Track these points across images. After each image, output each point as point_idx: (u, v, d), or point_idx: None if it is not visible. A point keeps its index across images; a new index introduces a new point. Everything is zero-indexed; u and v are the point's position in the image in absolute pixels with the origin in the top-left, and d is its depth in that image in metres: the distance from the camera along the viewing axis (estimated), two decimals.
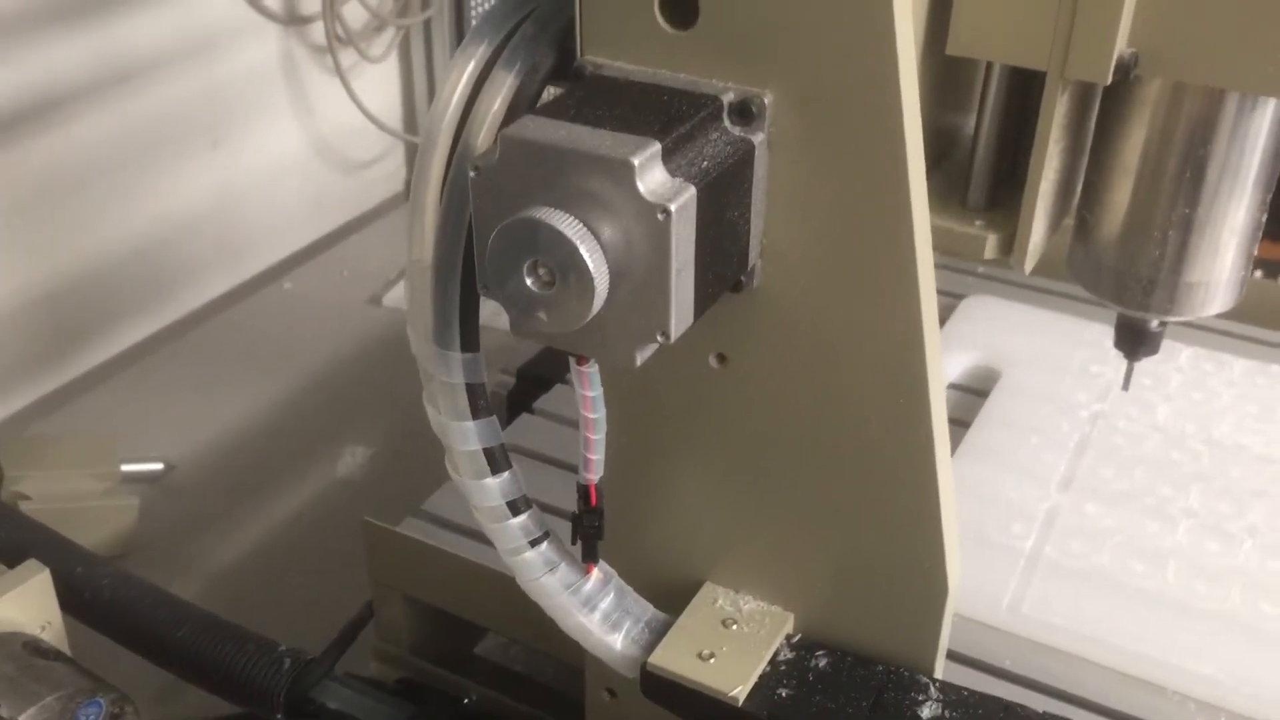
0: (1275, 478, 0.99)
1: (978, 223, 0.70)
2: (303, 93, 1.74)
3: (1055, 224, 0.71)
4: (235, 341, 1.53)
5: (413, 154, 1.94)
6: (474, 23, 1.88)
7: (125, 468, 1.22)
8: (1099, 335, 1.15)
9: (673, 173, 0.51)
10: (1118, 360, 1.12)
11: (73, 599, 0.86)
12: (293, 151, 1.75)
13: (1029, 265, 0.69)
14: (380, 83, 1.86)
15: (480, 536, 0.90)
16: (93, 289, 1.48)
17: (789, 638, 0.69)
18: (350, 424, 1.35)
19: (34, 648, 0.78)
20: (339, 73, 1.71)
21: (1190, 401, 1.08)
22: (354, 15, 1.74)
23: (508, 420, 1.09)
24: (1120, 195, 0.68)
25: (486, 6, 1.89)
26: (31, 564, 0.80)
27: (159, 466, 1.27)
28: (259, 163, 1.69)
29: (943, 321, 1.20)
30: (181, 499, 1.25)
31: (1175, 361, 1.13)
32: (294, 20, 1.69)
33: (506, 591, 0.82)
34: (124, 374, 1.47)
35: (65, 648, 0.81)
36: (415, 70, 1.91)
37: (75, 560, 0.91)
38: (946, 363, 1.14)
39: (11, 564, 0.80)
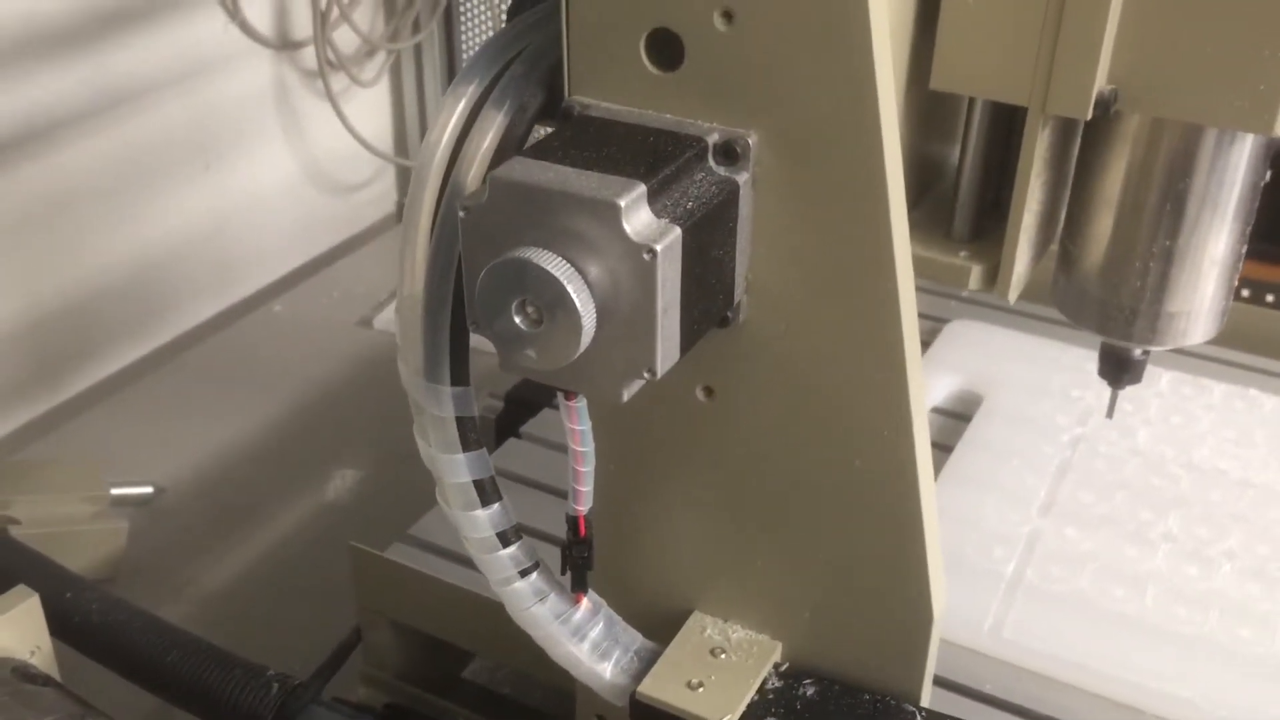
0: (1254, 502, 0.99)
1: (962, 254, 0.71)
2: (294, 117, 1.74)
3: (1039, 254, 0.72)
4: (225, 364, 1.52)
5: (404, 177, 1.95)
6: (465, 52, 1.90)
7: (114, 491, 1.22)
8: (1080, 359, 1.16)
9: (658, 213, 0.52)
10: (1098, 384, 1.12)
11: (62, 624, 0.86)
12: (284, 175, 1.75)
13: (1013, 295, 0.69)
14: (371, 107, 1.87)
15: (468, 562, 0.90)
16: (83, 313, 1.48)
17: (777, 666, 0.69)
18: (340, 447, 1.34)
19: (23, 673, 0.77)
20: (330, 97, 1.71)
21: (1170, 426, 1.09)
22: (345, 40, 1.74)
23: (496, 444, 1.08)
24: (1102, 227, 0.68)
25: (477, 31, 1.89)
26: (20, 589, 0.80)
27: (148, 490, 1.26)
28: (250, 186, 1.69)
29: (927, 345, 1.20)
30: (171, 522, 1.25)
31: (1155, 386, 1.13)
32: (286, 45, 1.69)
33: (494, 617, 0.82)
34: (114, 398, 1.47)
35: (55, 673, 0.81)
36: (406, 94, 1.91)
37: (64, 585, 0.90)
38: (930, 386, 1.14)
39: (0, 589, 0.80)
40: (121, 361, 1.54)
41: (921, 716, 0.66)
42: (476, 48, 1.87)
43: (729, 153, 0.56)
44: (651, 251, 0.50)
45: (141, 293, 1.54)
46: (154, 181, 1.54)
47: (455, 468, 0.62)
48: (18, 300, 1.40)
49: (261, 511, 1.25)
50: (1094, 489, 1.01)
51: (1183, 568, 0.93)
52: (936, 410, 1.14)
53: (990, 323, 1.24)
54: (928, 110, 0.70)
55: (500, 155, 0.57)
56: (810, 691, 0.67)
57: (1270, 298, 1.39)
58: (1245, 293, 1.36)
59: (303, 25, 1.69)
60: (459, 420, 0.62)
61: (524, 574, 0.65)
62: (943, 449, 1.05)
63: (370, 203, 1.92)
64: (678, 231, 0.51)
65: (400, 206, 1.96)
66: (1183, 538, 0.96)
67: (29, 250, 1.41)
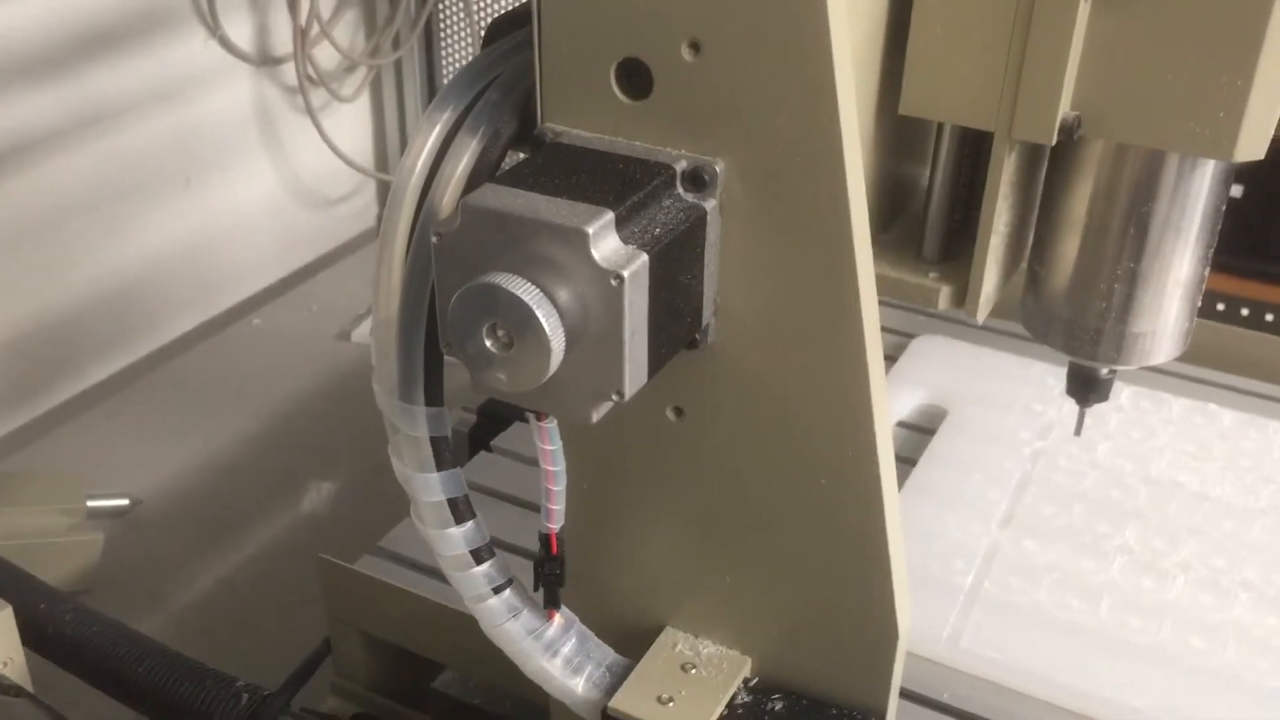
0: (1209, 515, 1.00)
1: (932, 275, 0.70)
2: (274, 132, 1.72)
3: (1007, 275, 0.72)
4: (203, 378, 1.51)
5: (384, 192, 1.93)
6: (444, 68, 1.89)
7: (91, 503, 1.20)
8: (1042, 374, 1.16)
9: (626, 240, 0.52)
10: (1061, 399, 1.13)
11: (36, 635, 0.85)
12: (264, 190, 1.74)
13: (981, 315, 0.69)
14: (351, 122, 1.86)
15: (437, 574, 0.90)
16: (63, 327, 1.46)
17: (746, 681, 0.68)
18: (316, 459, 1.33)
19: None
20: (310, 112, 1.70)
21: (1130, 440, 1.09)
22: (325, 56, 1.73)
23: (468, 456, 1.08)
24: (1068, 249, 0.68)
25: (456, 46, 1.88)
26: None
27: (124, 502, 1.25)
28: (231, 201, 1.67)
29: (893, 360, 1.20)
30: (147, 534, 1.23)
31: (1116, 400, 1.14)
32: (266, 61, 1.68)
33: (463, 629, 0.82)
34: (92, 410, 1.45)
35: (28, 684, 0.80)
36: (386, 109, 1.90)
37: (39, 597, 0.89)
38: (895, 401, 1.14)
39: None
40: (100, 375, 1.52)
41: None
42: (456, 63, 1.87)
43: (697, 180, 0.56)
44: (619, 277, 0.50)
45: (121, 307, 1.53)
46: (135, 197, 1.52)
47: (429, 486, 0.62)
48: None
49: (237, 523, 1.24)
50: (1053, 502, 1.01)
51: (1138, 579, 0.93)
52: (901, 424, 1.14)
53: (956, 338, 1.24)
54: (899, 133, 0.70)
55: (474, 180, 0.57)
56: (779, 706, 0.67)
57: (1222, 308, 1.41)
58: (1220, 307, 1.38)
59: (283, 41, 1.68)
60: (433, 440, 0.62)
61: (497, 591, 0.65)
62: (907, 462, 1.05)
63: (350, 217, 1.91)
64: (645, 258, 0.51)
65: (380, 221, 1.95)
66: (1139, 550, 0.96)
67: (9, 265, 1.39)
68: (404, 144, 1.89)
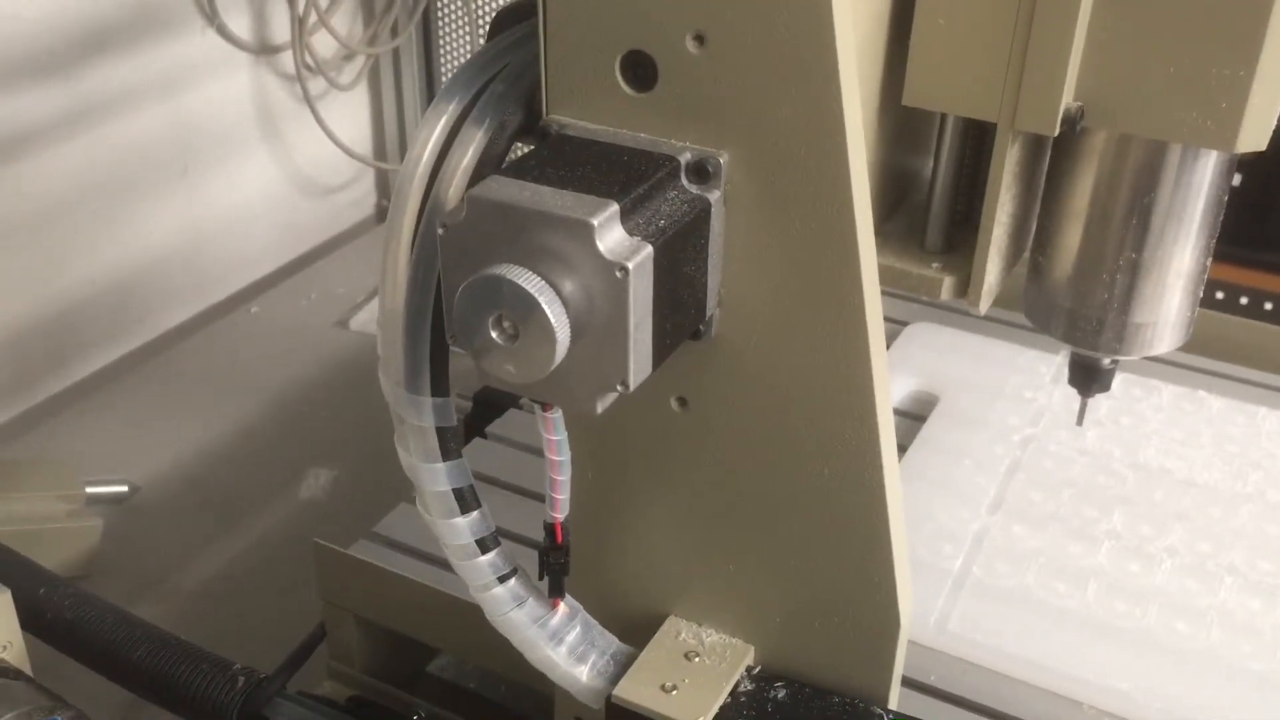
0: (1196, 501, 0.99)
1: (934, 265, 0.70)
2: (273, 121, 1.70)
3: (1010, 266, 0.71)
4: (201, 366, 1.50)
5: (381, 180, 1.92)
6: (442, 56, 1.87)
7: (90, 490, 1.19)
8: (1034, 361, 1.16)
9: (631, 231, 0.51)
10: (1051, 386, 1.13)
11: (35, 619, 0.85)
12: (263, 179, 1.72)
13: (984, 306, 0.68)
14: (350, 110, 1.84)
15: (432, 559, 0.89)
16: (62, 316, 1.44)
17: (749, 670, 0.68)
18: (314, 446, 1.32)
19: None
20: (308, 101, 1.68)
21: (1119, 426, 1.08)
22: (324, 44, 1.71)
23: (464, 442, 1.07)
24: (1070, 239, 0.67)
25: (454, 35, 1.86)
26: None
27: (123, 488, 1.23)
28: (229, 190, 1.65)
29: (887, 346, 1.19)
30: (146, 520, 1.22)
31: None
32: (264, 50, 1.65)
33: (458, 614, 0.82)
34: (90, 398, 1.44)
35: (27, 667, 0.79)
36: (385, 97, 1.88)
37: (38, 581, 0.89)
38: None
39: None
40: (99, 364, 1.51)
41: (890, 718, 0.65)
42: (454, 52, 1.85)
43: (701, 172, 0.55)
44: (624, 269, 0.50)
45: (119, 296, 1.51)
46: (133, 187, 1.50)
47: (435, 477, 0.62)
48: None
49: (235, 510, 1.23)
50: (1042, 487, 1.00)
51: (1125, 564, 0.92)
52: (895, 411, 1.13)
53: (950, 325, 1.24)
54: (902, 124, 0.69)
55: (480, 172, 0.57)
56: (781, 694, 0.67)
57: (1221, 297, 1.40)
58: (1220, 295, 1.37)
59: (281, 30, 1.66)
60: (439, 430, 0.61)
61: (502, 580, 0.64)
62: (899, 448, 1.04)
63: (349, 206, 1.89)
64: (649, 249, 0.51)
65: (379, 209, 1.93)
66: (1126, 535, 0.95)
67: (8, 255, 1.37)
68: (402, 132, 1.88)
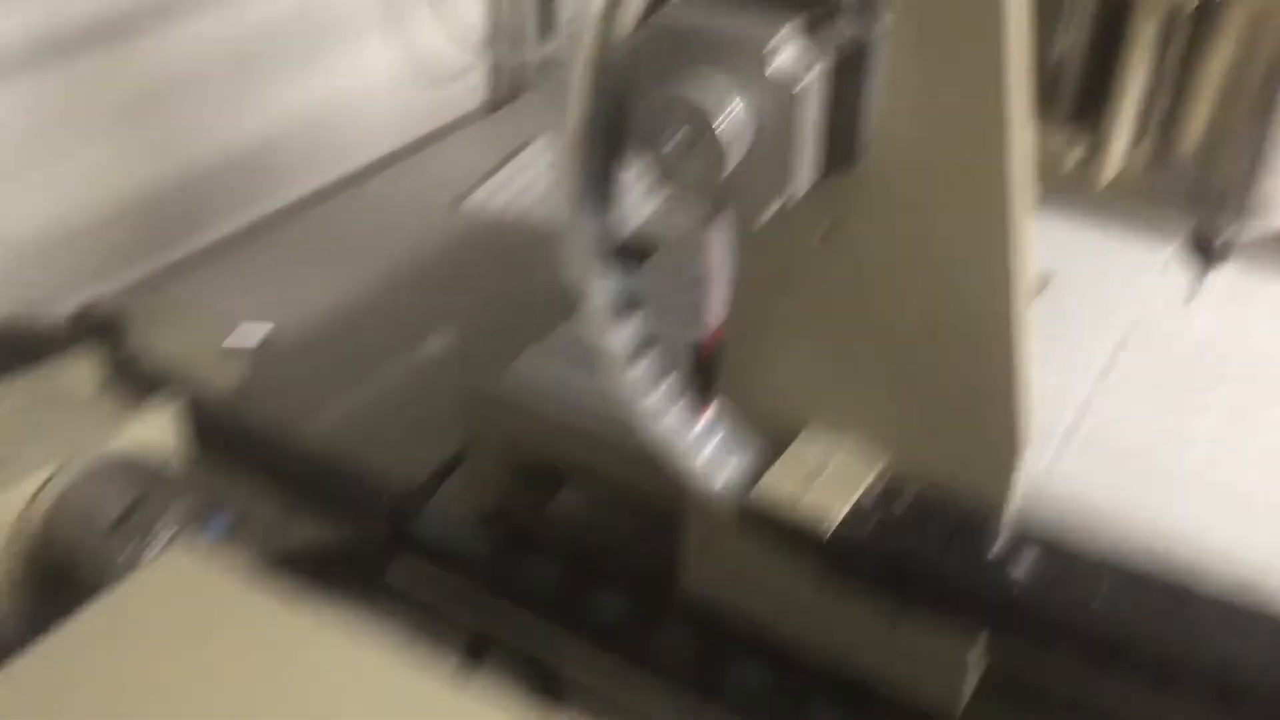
0: None
1: (1061, 136, 0.71)
2: (392, 9, 1.74)
3: (1135, 142, 0.72)
4: (324, 236, 1.54)
5: (496, 70, 1.95)
6: None
7: (233, 334, 1.24)
8: (1143, 251, 1.16)
9: (800, 56, 0.55)
10: (1161, 273, 1.13)
11: (198, 429, 0.87)
12: (379, 66, 1.75)
13: (1105, 180, 0.70)
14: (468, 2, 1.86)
15: (568, 396, 0.92)
16: (189, 185, 1.50)
17: (879, 479, 0.71)
18: (433, 315, 1.35)
19: (167, 468, 0.81)
20: None
21: (1229, 311, 1.08)
22: None
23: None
24: (1200, 113, 0.68)
25: None
26: (162, 396, 0.83)
27: (267, 326, 1.28)
28: (348, 74, 1.69)
29: None
30: (281, 366, 1.27)
31: (1218, 276, 1.12)
32: None
33: (599, 439, 0.84)
34: (223, 258, 1.49)
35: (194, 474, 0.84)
36: None
37: (201, 398, 0.94)
38: None
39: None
40: (230, 228, 1.57)
41: (1005, 533, 0.68)
42: None
43: (867, 5, 0.58)
44: (793, 89, 0.54)
45: (242, 173, 1.56)
46: (258, 68, 1.55)
47: (600, 288, 0.66)
48: (127, 175, 1.43)
49: (360, 364, 1.28)
50: (1150, 360, 1.01)
51: (1229, 430, 0.93)
52: None
53: (1061, 211, 1.23)
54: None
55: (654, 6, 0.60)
56: (907, 504, 0.70)
57: None
58: None
59: None
60: (605, 245, 0.65)
61: (653, 389, 0.68)
62: None
63: (462, 94, 1.93)
64: (817, 69, 0.55)
65: (492, 99, 1.97)
66: (1229, 409, 0.95)
67: (139, 125, 1.43)
68: (514, 23, 1.90)
